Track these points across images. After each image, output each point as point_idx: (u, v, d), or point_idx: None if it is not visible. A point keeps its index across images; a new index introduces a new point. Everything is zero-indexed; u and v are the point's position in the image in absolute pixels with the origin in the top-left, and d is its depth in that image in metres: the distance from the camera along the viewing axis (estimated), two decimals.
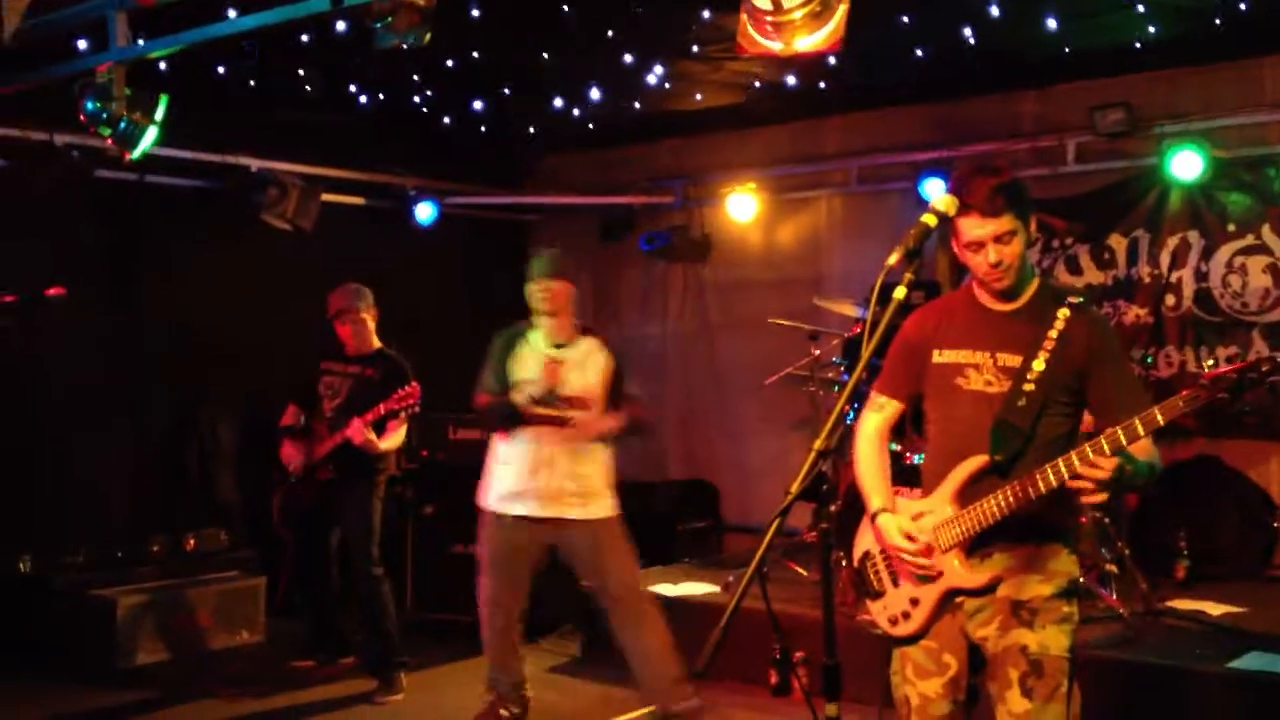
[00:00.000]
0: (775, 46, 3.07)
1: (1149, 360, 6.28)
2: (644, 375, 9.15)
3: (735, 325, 8.68)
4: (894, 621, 3.27)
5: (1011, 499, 2.98)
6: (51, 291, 5.41)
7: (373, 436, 5.71)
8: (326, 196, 7.71)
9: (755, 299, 8.42)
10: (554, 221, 9.60)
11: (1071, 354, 3.07)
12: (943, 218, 2.86)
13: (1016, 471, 3.03)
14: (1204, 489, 6.78)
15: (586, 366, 5.09)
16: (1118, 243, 7.28)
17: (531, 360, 5.08)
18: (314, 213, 7.51)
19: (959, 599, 3.15)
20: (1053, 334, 3.09)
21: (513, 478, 5.04)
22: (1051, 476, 2.91)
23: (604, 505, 5.14)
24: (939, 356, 3.23)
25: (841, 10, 3.02)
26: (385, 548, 6.07)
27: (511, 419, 4.99)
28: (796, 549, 6.57)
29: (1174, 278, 7.04)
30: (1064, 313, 3.12)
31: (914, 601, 3.21)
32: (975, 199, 3.03)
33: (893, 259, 2.75)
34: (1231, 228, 6.91)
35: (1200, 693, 4.85)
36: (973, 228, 3.05)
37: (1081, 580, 3.29)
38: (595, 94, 7.30)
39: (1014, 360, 3.10)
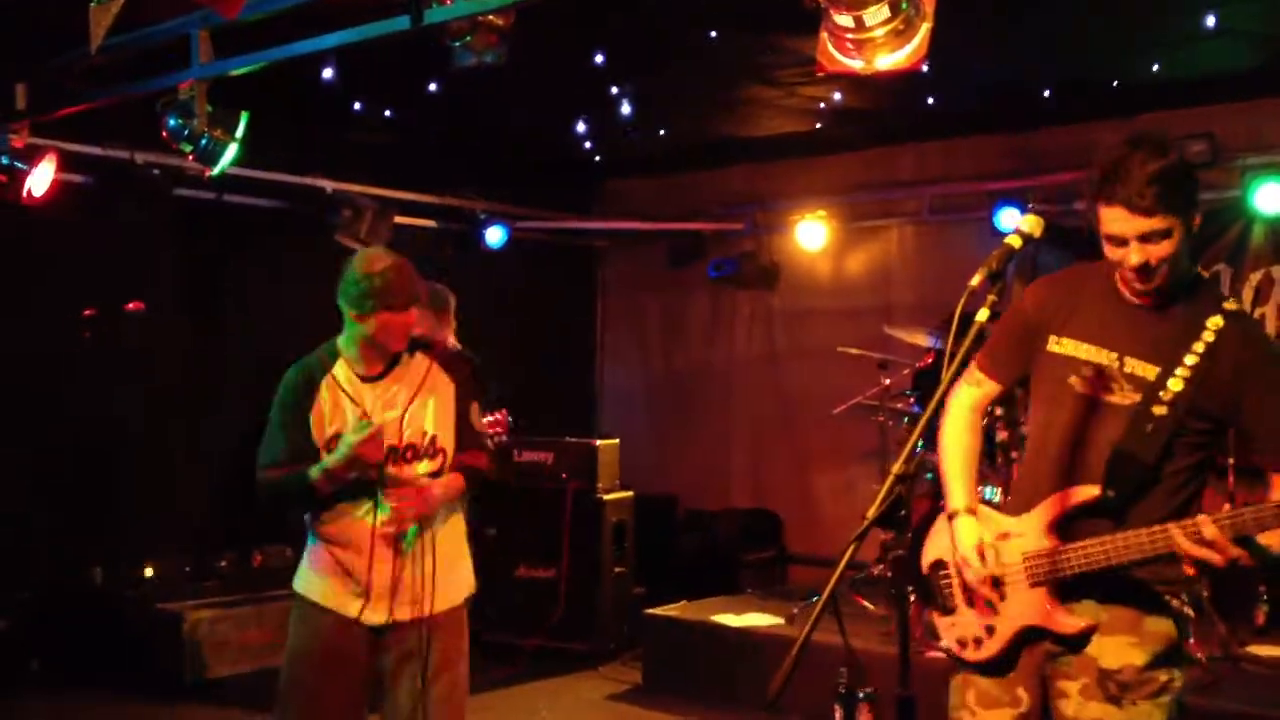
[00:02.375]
0: (856, 65, 3.02)
1: None
2: (710, 403, 9.27)
3: (803, 354, 8.60)
4: (964, 645, 2.83)
5: (1115, 554, 2.56)
6: (131, 306, 5.51)
7: None
8: (399, 219, 7.78)
9: (823, 328, 8.34)
10: (622, 247, 9.63)
11: (1219, 374, 2.58)
12: (1028, 239, 2.60)
13: (1132, 514, 2.60)
14: None
15: (426, 396, 3.62)
16: None
17: (342, 403, 3.55)
18: (386, 234, 7.57)
19: (1044, 640, 2.72)
20: (1199, 346, 2.59)
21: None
22: (1158, 543, 2.50)
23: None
24: (1055, 345, 2.76)
25: (924, 29, 2.97)
26: None
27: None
28: (864, 583, 6.46)
29: (1257, 314, 6.85)
30: (1216, 321, 2.61)
31: (989, 630, 2.78)
32: (1124, 188, 2.53)
33: (975, 281, 2.49)
34: None
35: None
36: (1115, 221, 2.57)
37: (1188, 640, 2.73)
38: (666, 118, 7.30)
39: (1148, 371, 2.63)
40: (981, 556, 2.73)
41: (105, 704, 5.91)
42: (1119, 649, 2.65)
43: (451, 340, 5.50)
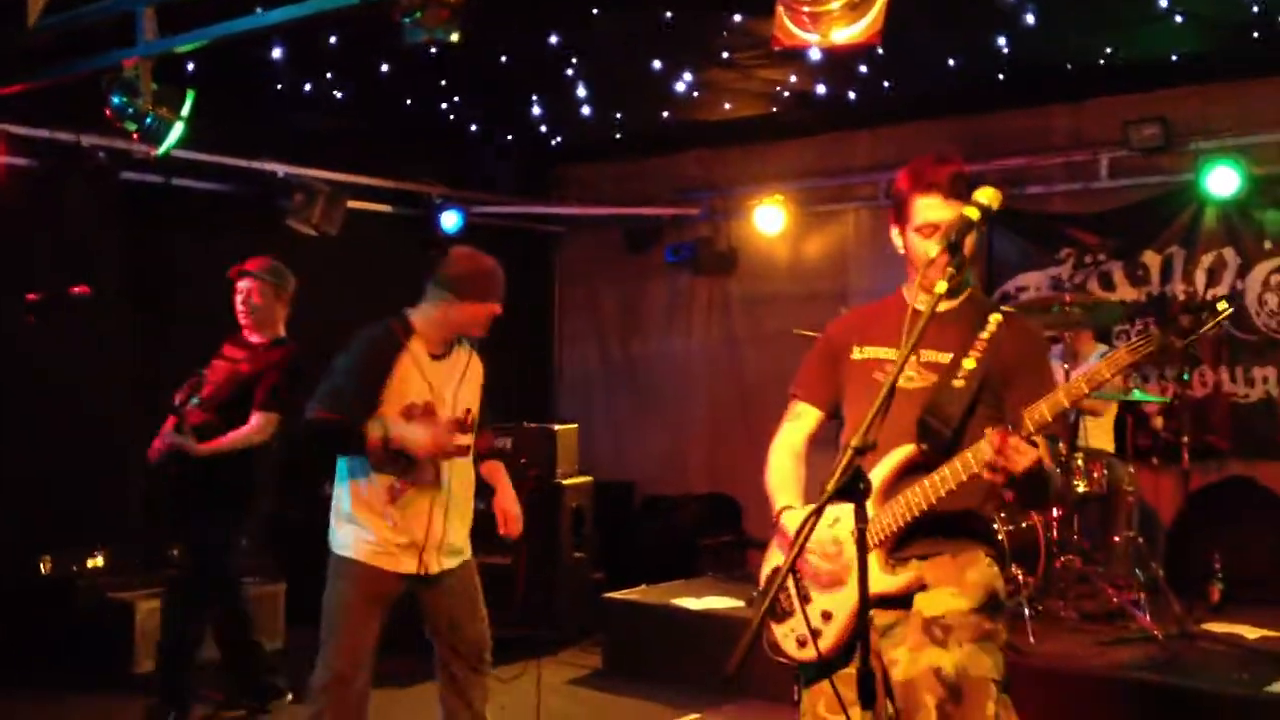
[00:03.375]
0: (812, 39, 3.00)
1: (1185, 378, 6.18)
2: (668, 388, 9.25)
3: (761, 338, 8.60)
4: (803, 643, 2.87)
5: (930, 491, 2.72)
6: (76, 290, 5.39)
7: None
8: (352, 203, 7.69)
9: (781, 312, 8.33)
10: (579, 232, 9.58)
11: (1002, 358, 2.87)
12: (985, 211, 2.67)
13: (942, 462, 2.77)
14: (1238, 511, 6.69)
15: (469, 379, 4.12)
16: (1152, 259, 7.18)
17: (415, 377, 3.95)
18: (339, 218, 7.48)
19: (873, 612, 2.77)
20: (984, 335, 2.89)
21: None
22: (970, 459, 2.66)
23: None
24: (858, 353, 3.02)
25: (880, 3, 2.95)
26: None
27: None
28: None
29: (1209, 296, 6.90)
30: (996, 318, 2.94)
31: (826, 616, 2.85)
32: (939, 178, 2.88)
33: (933, 251, 2.62)
34: (1268, 245, 6.80)
35: (1236, 718, 4.72)
36: (931, 209, 2.88)
37: (1006, 595, 2.95)
38: (622, 103, 7.26)
39: (941, 357, 2.90)
40: (826, 558, 2.85)
41: (55, 696, 5.79)
42: (941, 599, 2.80)
43: (281, 328, 5.39)
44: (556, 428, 7.30)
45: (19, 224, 6.31)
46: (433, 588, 4.02)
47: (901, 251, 2.99)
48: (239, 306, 5.27)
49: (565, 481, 7.17)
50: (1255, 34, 6.03)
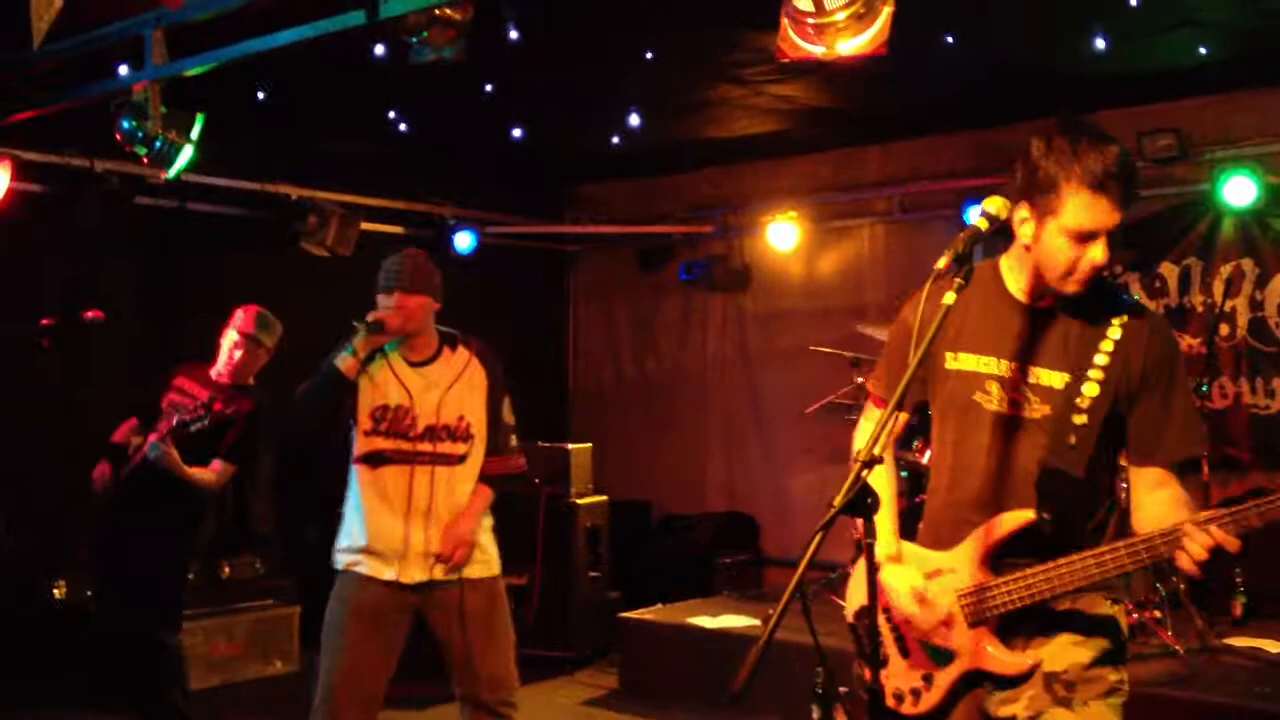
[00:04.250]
0: (818, 51, 2.97)
1: (1204, 390, 6.12)
2: (683, 406, 9.21)
3: (776, 355, 8.56)
4: (899, 698, 2.67)
5: (1068, 580, 2.40)
6: (89, 314, 5.39)
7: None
8: (365, 225, 7.70)
9: (796, 329, 8.31)
10: (593, 251, 9.58)
11: (1130, 375, 2.47)
12: (994, 221, 2.46)
13: (1064, 532, 2.46)
14: None
15: (463, 384, 4.04)
16: (1169, 271, 7.12)
17: (389, 379, 3.99)
18: (353, 240, 7.50)
19: (983, 682, 2.57)
20: (1107, 345, 2.49)
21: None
22: (1160, 548, 2.30)
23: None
24: (952, 361, 2.62)
25: (886, 12, 2.92)
26: None
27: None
28: (840, 582, 6.41)
29: (1228, 307, 6.85)
30: (1120, 317, 2.52)
31: (927, 679, 2.64)
32: (1112, 179, 2.37)
33: (941, 263, 2.38)
34: None
35: None
36: (1093, 213, 2.40)
37: (1129, 635, 2.64)
38: (634, 121, 7.26)
39: (1054, 379, 2.51)
40: (921, 602, 2.61)
41: (70, 718, 5.78)
42: (1062, 649, 2.53)
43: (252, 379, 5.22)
44: (570, 447, 7.28)
45: (33, 249, 6.34)
46: (436, 607, 3.91)
47: (1026, 241, 2.52)
48: (225, 357, 5.11)
49: (580, 501, 7.15)
50: (1269, 42, 5.98)
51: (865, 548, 2.31)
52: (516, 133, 7.62)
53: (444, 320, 6.29)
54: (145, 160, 4.59)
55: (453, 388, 3.98)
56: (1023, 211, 2.51)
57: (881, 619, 2.67)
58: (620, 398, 9.45)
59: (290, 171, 7.48)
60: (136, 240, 7.02)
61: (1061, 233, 2.45)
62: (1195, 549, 2.27)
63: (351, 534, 3.94)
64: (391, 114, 7.20)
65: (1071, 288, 2.50)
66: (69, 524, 6.46)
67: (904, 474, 6.10)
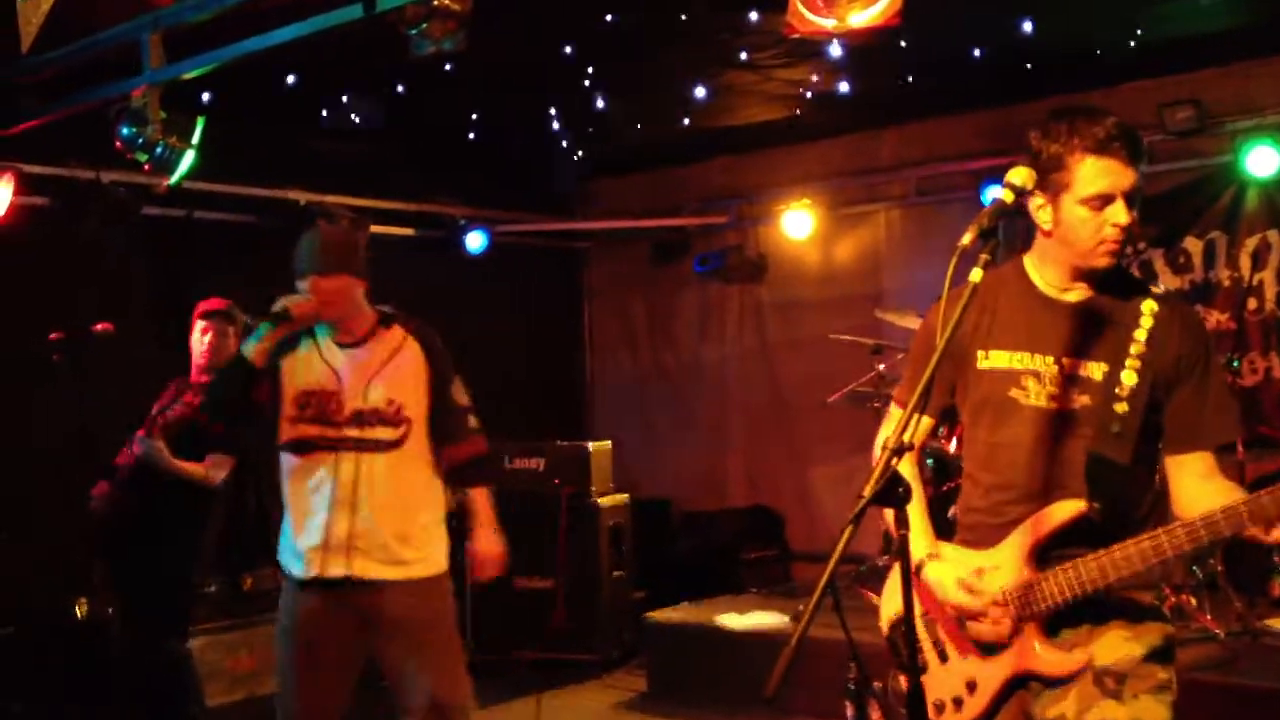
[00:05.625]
0: (828, 24, 2.87)
1: (1234, 366, 5.99)
2: (703, 400, 9.11)
3: (795, 344, 8.45)
4: (940, 708, 2.58)
5: (1121, 568, 2.33)
6: (99, 327, 5.34)
7: None
8: (376, 228, 7.62)
9: (815, 317, 8.20)
10: (606, 246, 9.49)
11: (1163, 361, 2.47)
12: (1020, 193, 2.38)
13: (1111, 522, 2.39)
14: None
15: (395, 365, 3.73)
16: (1193, 245, 6.98)
17: (315, 363, 3.72)
18: (363, 244, 7.42)
19: (1028, 684, 2.50)
20: (1141, 334, 2.47)
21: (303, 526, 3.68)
22: (1221, 527, 2.24)
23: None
24: (983, 360, 2.58)
25: None
26: None
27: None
28: (869, 575, 6.30)
29: (1255, 280, 6.70)
30: (1150, 305, 2.50)
31: (971, 685, 2.54)
32: (1118, 135, 2.40)
33: (966, 239, 2.30)
34: None
35: None
36: (1103, 175, 2.41)
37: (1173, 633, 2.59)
38: (643, 113, 7.17)
39: (1093, 370, 2.48)
40: (971, 590, 2.52)
41: None
42: (1114, 644, 2.47)
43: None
44: (590, 445, 7.19)
45: (40, 263, 6.27)
46: (361, 610, 3.58)
47: (1046, 227, 2.53)
48: (198, 348, 5.08)
49: (601, 500, 7.06)
50: None
51: (900, 541, 2.21)
52: (524, 130, 7.55)
53: (458, 321, 6.21)
54: (146, 167, 4.52)
55: (383, 369, 3.68)
56: (1037, 199, 2.51)
57: (920, 625, 2.60)
58: (638, 394, 9.35)
59: (298, 176, 7.40)
60: (145, 250, 6.95)
61: (1079, 203, 2.45)
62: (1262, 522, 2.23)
63: (284, 531, 3.71)
64: (399, 114, 7.13)
65: (1102, 260, 2.48)
66: (85, 541, 6.42)
67: (930, 461, 5.99)
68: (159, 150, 4.42)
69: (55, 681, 6.10)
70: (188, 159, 4.53)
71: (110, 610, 5.85)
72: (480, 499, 3.83)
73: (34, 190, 6.12)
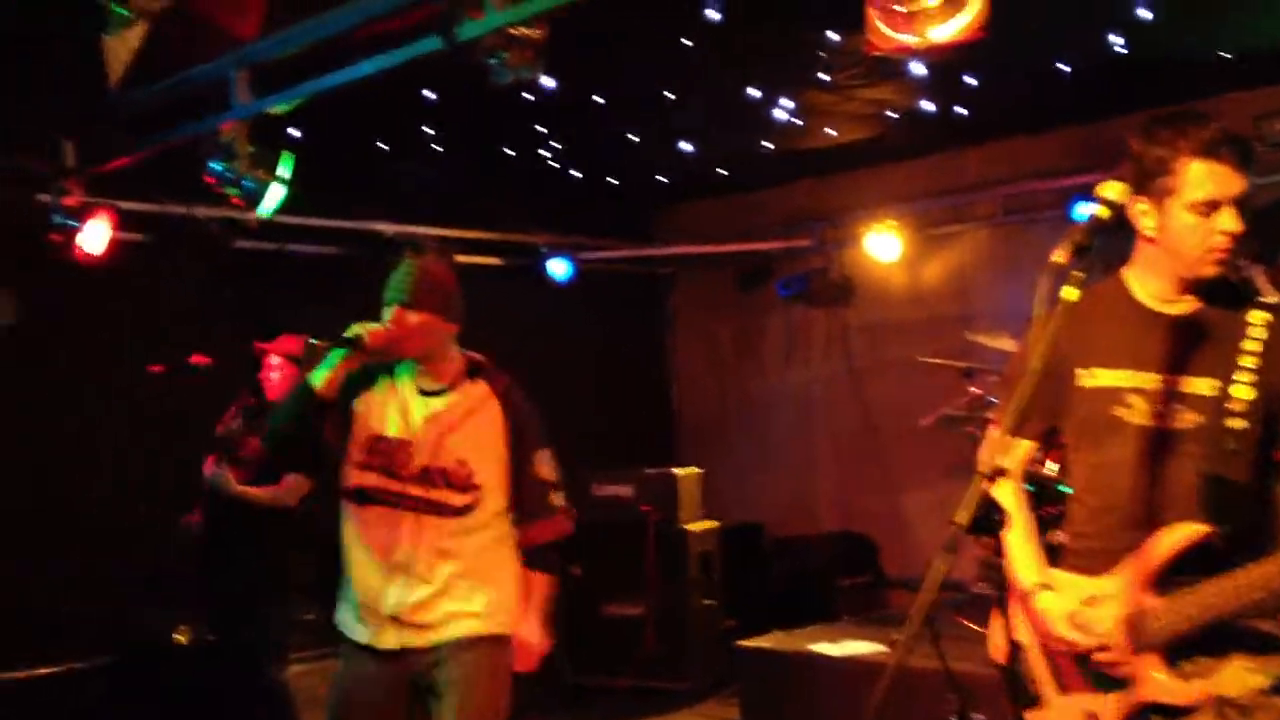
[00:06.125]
0: (909, 40, 2.80)
1: None
2: (790, 425, 9.02)
3: (883, 368, 8.34)
4: None
5: (1246, 594, 2.22)
6: (196, 359, 5.45)
7: None
8: (461, 258, 7.67)
9: (903, 340, 8.08)
10: (690, 272, 9.47)
11: (1276, 372, 2.36)
12: (1115, 208, 2.27)
13: (1235, 544, 2.29)
14: None
15: (473, 425, 3.43)
16: None
17: (390, 407, 3.44)
18: None
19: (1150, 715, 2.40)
20: (1251, 345, 2.37)
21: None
22: None
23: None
24: (1087, 378, 2.49)
25: None
26: None
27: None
28: (968, 603, 6.14)
29: None
30: (1259, 315, 2.41)
31: (1091, 718, 2.46)
32: (1222, 144, 2.33)
33: (1059, 256, 2.22)
34: None
35: None
36: (1211, 180, 2.33)
37: None
38: (723, 136, 7.13)
39: (1204, 386, 2.38)
40: (1080, 628, 2.43)
41: None
42: (1236, 675, 2.36)
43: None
44: (677, 472, 7.14)
45: (138, 298, 6.43)
46: (421, 679, 3.37)
47: (1150, 234, 2.45)
48: (271, 383, 5.16)
49: (690, 527, 7.00)
50: None
51: (993, 568, 2.13)
52: (606, 157, 7.57)
53: (543, 349, 6.21)
54: (236, 201, 4.60)
55: (460, 427, 3.38)
56: (1140, 204, 2.45)
57: (1036, 654, 2.52)
58: (725, 419, 9.29)
59: (386, 208, 7.50)
60: (237, 284, 7.09)
61: (1186, 209, 2.38)
62: None
63: (343, 585, 3.46)
64: (483, 144, 7.21)
65: (1210, 269, 2.40)
66: (183, 567, 6.54)
67: (1029, 487, 5.83)
68: (247, 184, 4.50)
69: (156, 709, 6.20)
70: (276, 192, 4.60)
71: (209, 637, 5.95)
72: (540, 584, 3.48)
73: (130, 226, 6.28)
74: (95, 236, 5.57)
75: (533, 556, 3.47)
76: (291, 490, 4.95)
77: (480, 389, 3.45)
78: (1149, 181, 2.40)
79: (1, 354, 5.88)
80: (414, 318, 3.37)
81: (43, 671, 5.71)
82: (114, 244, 5.77)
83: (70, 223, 5.47)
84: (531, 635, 3.42)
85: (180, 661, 6.29)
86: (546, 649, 3.47)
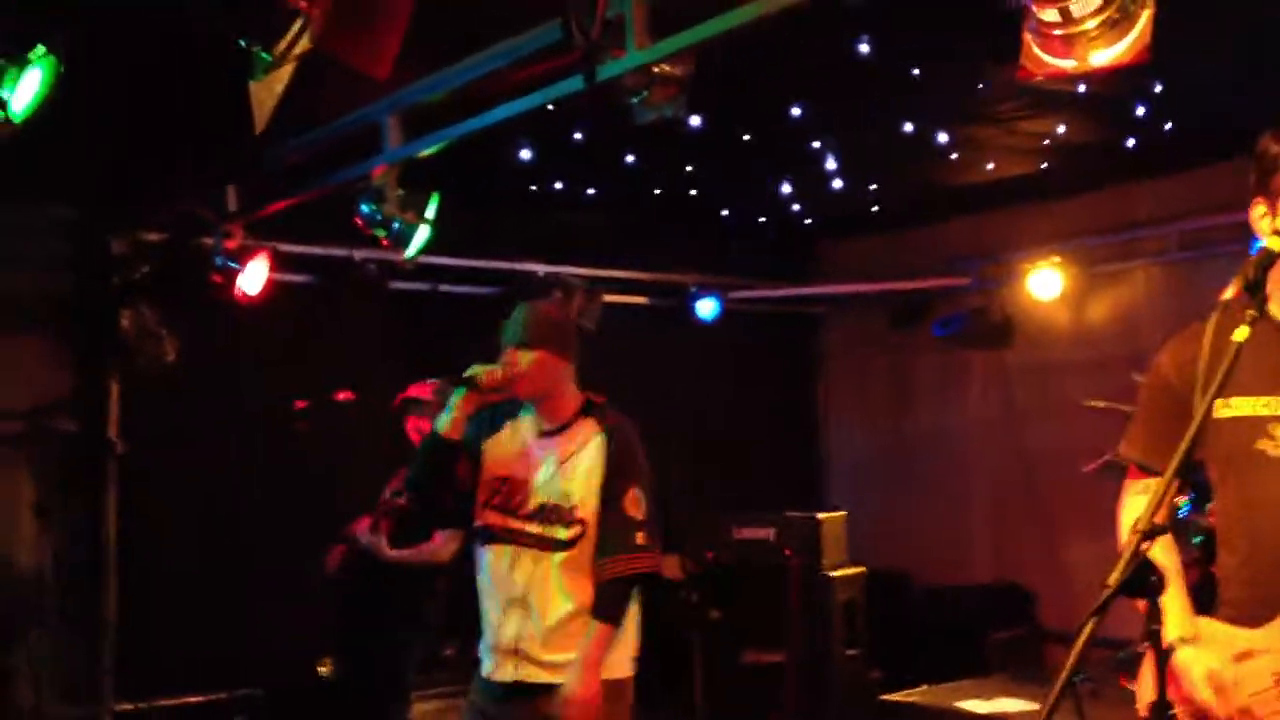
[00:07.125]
0: (1068, 65, 2.65)
1: None
2: (944, 469, 8.71)
3: (1044, 411, 8.00)
4: None
5: None
6: (341, 395, 5.57)
7: None
8: (610, 298, 7.70)
9: (1066, 382, 7.74)
10: (842, 311, 9.29)
11: None
12: None
13: None
14: None
15: (578, 461, 3.58)
16: None
17: (513, 447, 3.64)
18: (598, 314, 7.51)
19: None
20: None
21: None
22: None
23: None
24: (1223, 408, 2.33)
25: (1145, 16, 2.57)
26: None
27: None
28: (1129, 662, 5.78)
29: None
30: None
31: None
32: None
33: (1228, 293, 2.11)
34: None
35: None
36: None
37: None
38: (878, 173, 6.98)
39: None
40: (1220, 690, 2.24)
41: None
42: None
43: None
44: (821, 516, 6.95)
45: (295, 337, 6.62)
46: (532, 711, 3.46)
47: (1267, 243, 2.24)
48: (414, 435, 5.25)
49: (834, 573, 6.80)
50: None
51: (1151, 634, 1.95)
52: (757, 194, 7.50)
53: (691, 389, 6.11)
54: (384, 242, 4.68)
55: (568, 462, 3.54)
56: (1260, 208, 2.32)
57: (1182, 713, 2.31)
58: (875, 462, 9.06)
59: (538, 248, 7.57)
60: (392, 325, 7.24)
61: None
62: None
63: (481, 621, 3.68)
64: (630, 183, 7.21)
65: None
66: (325, 602, 6.67)
67: (1196, 540, 5.47)
68: (395, 226, 4.58)
69: None
70: (422, 234, 4.67)
71: (347, 671, 6.05)
72: (600, 633, 3.46)
73: (290, 268, 6.48)
74: (254, 277, 5.76)
75: (597, 602, 3.48)
76: (444, 547, 5.03)
77: (589, 426, 3.61)
78: (1270, 181, 2.28)
79: (163, 391, 6.10)
80: (526, 357, 3.53)
81: (192, 700, 5.88)
82: (273, 284, 5.95)
83: (231, 264, 5.67)
84: (581, 689, 3.41)
85: (321, 694, 6.41)
86: (592, 703, 3.42)
